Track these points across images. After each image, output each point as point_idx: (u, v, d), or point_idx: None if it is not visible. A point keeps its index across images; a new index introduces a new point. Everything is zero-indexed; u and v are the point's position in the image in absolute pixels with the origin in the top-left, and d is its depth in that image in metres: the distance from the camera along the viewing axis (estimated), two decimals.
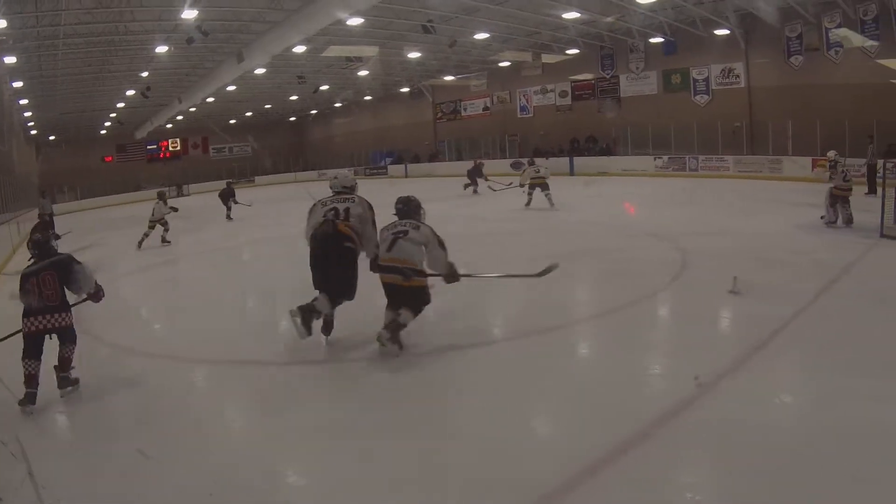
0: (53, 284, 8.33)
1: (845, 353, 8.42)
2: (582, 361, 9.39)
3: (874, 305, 10.74)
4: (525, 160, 34.40)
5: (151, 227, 23.18)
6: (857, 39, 31.50)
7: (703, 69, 40.56)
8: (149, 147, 68.42)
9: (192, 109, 52.39)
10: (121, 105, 49.92)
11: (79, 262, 8.73)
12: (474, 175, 34.71)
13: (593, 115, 47.26)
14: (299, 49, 33.83)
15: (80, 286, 8.68)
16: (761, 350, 8.66)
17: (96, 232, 26.09)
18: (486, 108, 55.87)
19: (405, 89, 59.54)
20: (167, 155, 69.74)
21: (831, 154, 19.53)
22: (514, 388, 7.88)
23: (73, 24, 28.00)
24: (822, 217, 18.71)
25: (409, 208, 10.07)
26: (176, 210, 25.08)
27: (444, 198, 31.46)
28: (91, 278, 8.77)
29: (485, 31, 37.64)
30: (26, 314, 8.22)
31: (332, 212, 9.53)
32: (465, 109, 57.82)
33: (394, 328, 8.99)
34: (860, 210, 18.05)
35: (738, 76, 38.96)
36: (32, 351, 8.08)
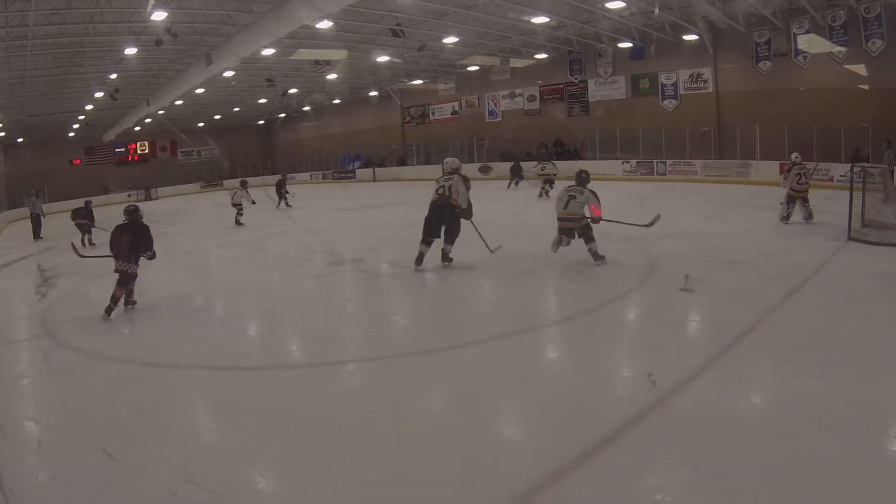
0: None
1: (813, 353, 8.51)
2: (550, 364, 9.38)
3: (841, 307, 10.90)
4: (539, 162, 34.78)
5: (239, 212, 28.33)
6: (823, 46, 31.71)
7: (671, 74, 40.78)
8: (117, 150, 67.47)
9: (161, 112, 51.82)
10: (89, 107, 49.27)
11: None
12: (516, 172, 37.84)
13: (562, 120, 47.58)
14: (268, 52, 33.64)
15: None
16: (729, 351, 8.75)
17: (63, 235, 25.69)
18: (454, 113, 55.81)
19: (374, 93, 59.34)
20: (135, 158, 68.73)
21: (794, 156, 19.91)
22: (483, 391, 7.91)
23: (42, 25, 27.63)
24: (779, 217, 19.38)
25: (581, 178, 15.13)
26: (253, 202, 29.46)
27: (407, 202, 31.45)
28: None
29: (454, 36, 37.54)
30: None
31: (443, 188, 14.83)
32: (433, 113, 57.76)
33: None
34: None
35: (706, 81, 39.20)
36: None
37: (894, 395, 7.28)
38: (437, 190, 14.86)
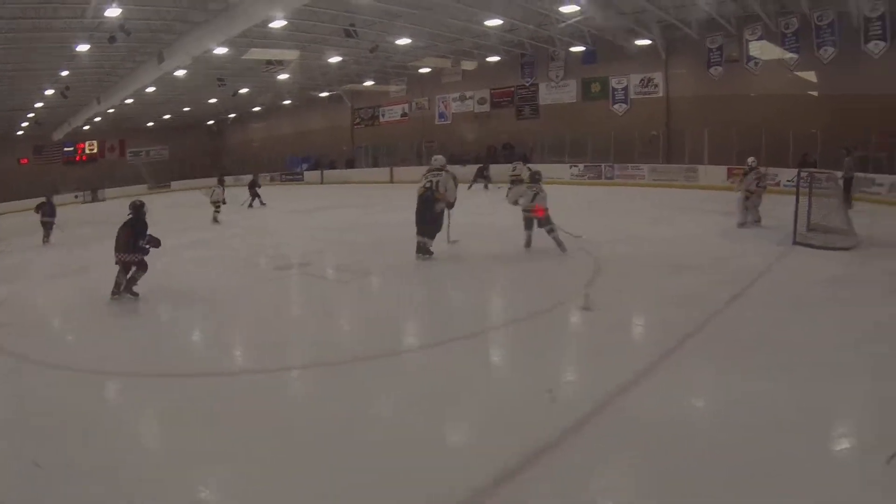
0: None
1: (759, 357, 8.60)
2: (496, 368, 9.34)
3: (786, 310, 11.02)
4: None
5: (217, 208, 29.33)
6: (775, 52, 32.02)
7: (622, 78, 41.03)
8: (66, 149, 65.83)
9: (111, 111, 50.94)
10: (39, 105, 48.34)
11: None
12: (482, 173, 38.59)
13: (511, 123, 47.58)
14: (220, 51, 33.23)
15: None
16: (674, 354, 8.82)
17: (6, 238, 25.35)
18: (404, 115, 55.61)
19: (324, 94, 58.76)
20: (84, 158, 67.37)
21: (751, 160, 20.24)
22: (432, 394, 7.85)
23: None
24: (737, 223, 19.55)
25: (536, 178, 17.20)
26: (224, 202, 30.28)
27: (355, 205, 31.51)
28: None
29: (406, 37, 37.35)
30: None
31: (430, 183, 16.21)
32: (383, 115, 57.52)
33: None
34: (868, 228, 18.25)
35: (656, 86, 39.48)
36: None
37: (841, 398, 7.38)
38: (423, 184, 16.34)
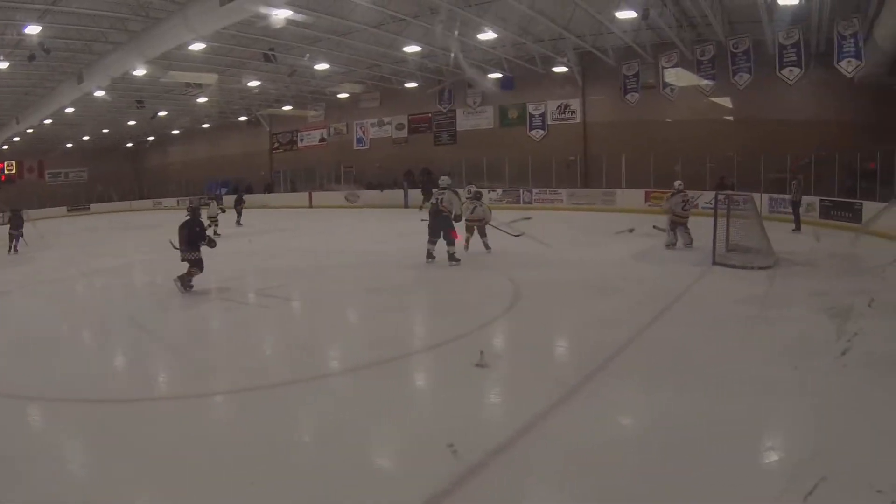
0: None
1: (679, 376, 8.69)
2: (417, 393, 9.27)
3: (706, 329, 11.19)
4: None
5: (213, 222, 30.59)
6: (691, 79, 32.51)
7: (539, 105, 41.52)
8: None
9: (30, 131, 49.87)
10: None
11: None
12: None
13: (429, 149, 47.77)
14: (140, 72, 32.71)
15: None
16: (598, 375, 8.81)
17: None
18: (322, 139, 55.46)
19: (243, 118, 58.51)
20: (2, 178, 66.17)
21: (677, 184, 20.54)
22: (350, 421, 7.70)
23: None
24: (665, 244, 20.01)
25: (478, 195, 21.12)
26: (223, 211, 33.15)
27: (272, 230, 31.31)
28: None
29: (325, 62, 37.39)
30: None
31: (437, 199, 18.82)
32: (301, 140, 57.30)
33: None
34: (787, 245, 18.87)
35: (574, 112, 40.05)
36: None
37: (759, 414, 7.45)
38: (431, 201, 19.47)
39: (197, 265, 16.11)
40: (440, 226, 18.60)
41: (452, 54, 34.04)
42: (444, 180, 19.59)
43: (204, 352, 11.35)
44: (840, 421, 7.12)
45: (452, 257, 18.36)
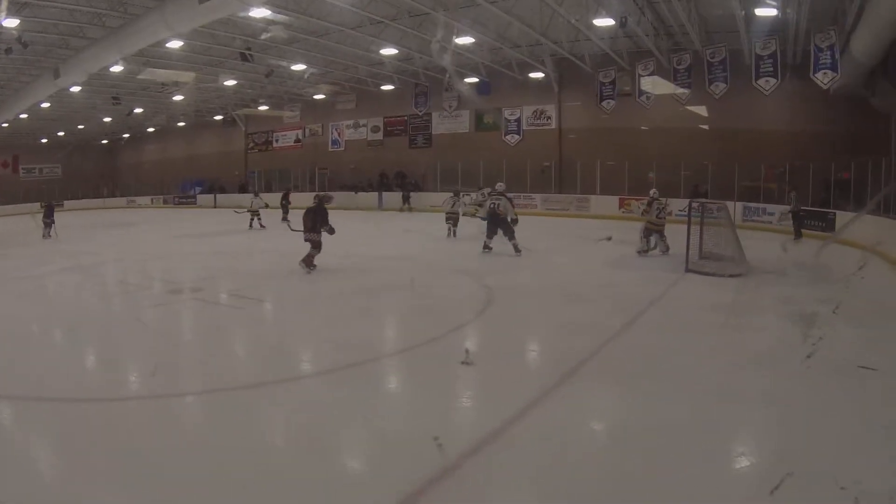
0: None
1: (649, 382, 8.70)
2: (389, 396, 9.16)
3: (678, 336, 11.24)
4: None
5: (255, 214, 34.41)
6: (667, 87, 32.67)
7: (515, 110, 41.69)
8: None
9: (5, 125, 49.21)
10: None
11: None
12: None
13: (404, 151, 47.94)
14: (116, 69, 32.44)
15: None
16: (568, 381, 8.81)
17: None
18: (297, 140, 55.40)
19: (218, 117, 58.30)
20: None
21: (652, 192, 20.81)
22: (322, 425, 7.68)
23: None
24: (637, 251, 20.03)
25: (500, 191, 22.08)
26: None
27: (246, 230, 31.22)
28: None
29: (302, 63, 37.40)
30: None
31: (494, 204, 21.19)
32: (277, 140, 57.22)
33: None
34: (759, 253, 19.00)
35: (549, 118, 40.18)
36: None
37: (728, 417, 7.53)
38: (489, 205, 21.73)
39: (317, 246, 18.14)
40: (498, 226, 21.19)
41: (442, 50, 33.93)
42: (500, 186, 22.39)
43: (171, 352, 11.14)
44: (805, 423, 7.25)
45: (516, 248, 20.71)
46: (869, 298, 13.90)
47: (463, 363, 9.57)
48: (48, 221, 32.77)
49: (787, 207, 25.29)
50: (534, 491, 6.01)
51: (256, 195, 36.66)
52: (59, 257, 23.67)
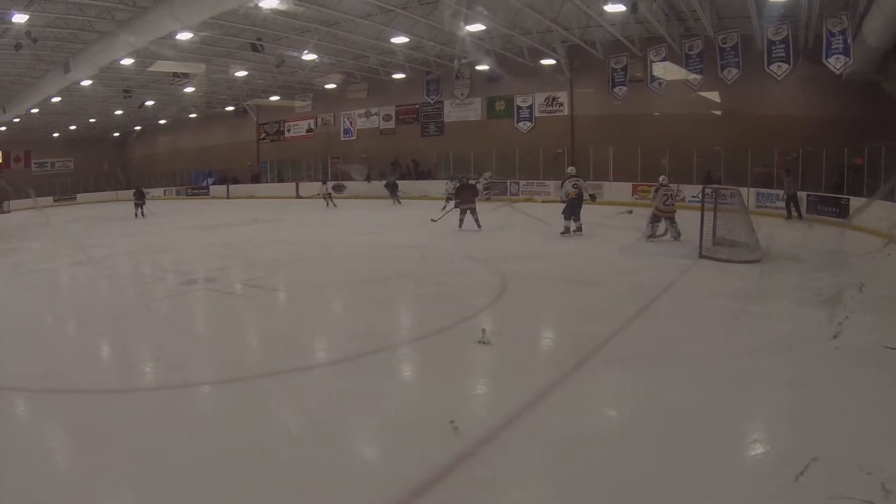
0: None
1: (663, 368, 8.68)
2: (405, 384, 9.20)
3: (691, 323, 11.22)
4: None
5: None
6: (679, 73, 32.54)
7: (527, 97, 41.48)
8: None
9: (16, 120, 49.48)
10: None
11: None
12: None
13: (416, 139, 47.74)
14: (127, 62, 32.73)
15: None
16: (582, 367, 8.80)
17: None
18: (309, 130, 55.19)
19: (230, 108, 58.14)
20: None
21: (661, 179, 20.78)
22: (337, 412, 7.71)
23: None
24: (646, 236, 20.03)
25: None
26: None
27: (247, 222, 31.31)
28: None
29: (313, 53, 37.25)
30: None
31: (577, 186, 22.17)
32: (288, 130, 56.98)
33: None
34: (775, 240, 18.91)
35: (561, 104, 39.96)
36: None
37: (743, 407, 7.47)
38: (573, 185, 22.39)
39: (474, 211, 24.01)
40: (578, 206, 22.26)
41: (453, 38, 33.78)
42: (572, 170, 24.56)
43: (187, 342, 11.22)
44: (827, 407, 7.22)
45: (580, 228, 22.24)
46: (887, 283, 13.76)
47: (480, 342, 9.64)
48: (139, 203, 39.22)
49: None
50: (549, 476, 6.01)
51: (324, 182, 42.97)
52: (69, 250, 23.71)
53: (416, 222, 27.76)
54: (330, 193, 41.93)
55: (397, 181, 43.52)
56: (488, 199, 35.95)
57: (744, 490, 5.65)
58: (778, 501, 5.46)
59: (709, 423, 6.89)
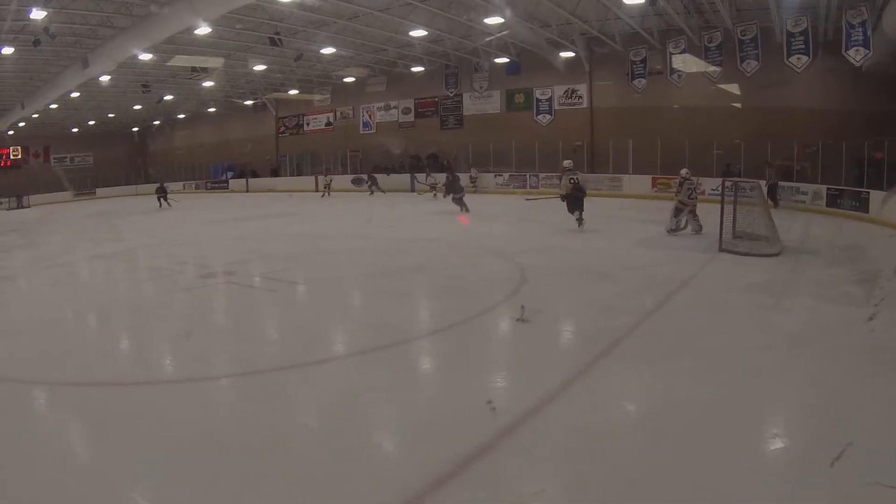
0: None
1: (683, 362, 8.69)
2: (424, 376, 9.23)
3: (711, 316, 11.19)
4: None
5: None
6: (698, 65, 32.44)
7: (546, 90, 41.29)
8: None
9: (35, 116, 49.94)
10: None
11: None
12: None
13: (435, 133, 47.69)
14: (145, 57, 32.81)
15: None
16: (602, 361, 8.81)
17: None
18: (328, 124, 55.06)
19: (249, 102, 58.10)
20: (8, 164, 64.95)
21: (683, 172, 20.57)
22: (356, 404, 7.73)
23: None
24: (667, 230, 20.10)
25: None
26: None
27: (279, 214, 31.31)
28: None
29: (331, 46, 37.29)
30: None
31: (574, 179, 22.05)
32: (307, 124, 56.87)
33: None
34: (795, 233, 18.87)
35: (580, 97, 39.81)
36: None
37: (763, 399, 7.48)
38: (569, 180, 22.20)
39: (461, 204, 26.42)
40: (579, 199, 22.01)
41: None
42: (569, 163, 23.38)
43: (206, 336, 11.26)
44: (853, 399, 7.25)
45: (581, 221, 21.89)
46: None
47: (518, 320, 9.85)
48: (162, 195, 42.66)
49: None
50: (569, 468, 6.06)
51: (429, 175, 40.90)
52: (89, 244, 23.81)
53: (435, 216, 27.80)
54: (328, 185, 44.63)
55: (375, 174, 45.37)
56: (475, 191, 38.27)
57: (770, 481, 5.65)
58: (809, 489, 5.47)
59: (732, 416, 6.89)
